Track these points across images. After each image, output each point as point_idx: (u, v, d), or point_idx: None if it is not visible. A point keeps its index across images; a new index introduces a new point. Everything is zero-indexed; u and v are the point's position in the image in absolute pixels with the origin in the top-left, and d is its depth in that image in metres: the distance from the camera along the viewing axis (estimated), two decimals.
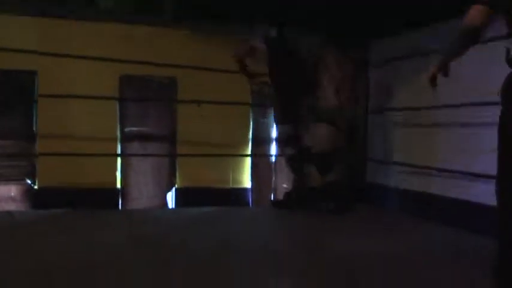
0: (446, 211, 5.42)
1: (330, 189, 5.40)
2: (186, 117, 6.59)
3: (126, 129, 6.63)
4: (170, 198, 6.77)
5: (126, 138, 6.61)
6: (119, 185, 6.52)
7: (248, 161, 6.97)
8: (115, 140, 6.53)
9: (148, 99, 6.62)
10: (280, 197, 6.36)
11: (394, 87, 6.50)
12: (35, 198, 6.18)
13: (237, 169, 6.89)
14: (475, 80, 4.99)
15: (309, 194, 5.67)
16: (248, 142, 7.03)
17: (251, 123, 7.07)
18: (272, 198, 6.94)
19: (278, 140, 5.62)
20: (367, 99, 6.96)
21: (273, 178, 6.98)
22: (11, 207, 6.06)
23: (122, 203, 6.55)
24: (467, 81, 4.99)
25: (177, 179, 6.73)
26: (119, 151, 6.56)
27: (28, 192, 6.24)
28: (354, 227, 5.08)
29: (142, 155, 6.55)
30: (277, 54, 5.47)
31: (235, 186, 6.83)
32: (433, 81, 3.05)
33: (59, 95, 5.95)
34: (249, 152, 7.01)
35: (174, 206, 6.66)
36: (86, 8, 6.21)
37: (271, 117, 6.50)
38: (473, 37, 2.70)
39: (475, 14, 2.63)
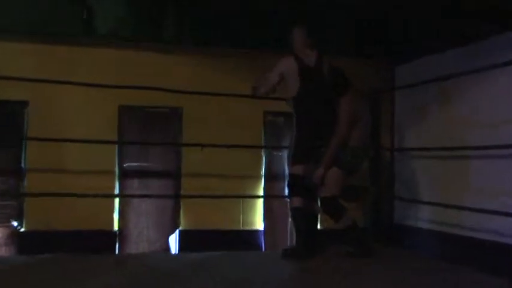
0: (481, 255, 5.29)
1: (347, 233, 5.01)
2: (191, 151, 6.31)
3: (125, 165, 6.51)
4: (173, 242, 6.62)
5: (125, 175, 6.47)
6: (116, 227, 6.36)
7: (261, 199, 6.78)
8: (112, 176, 6.38)
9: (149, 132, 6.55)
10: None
11: (422, 117, 6.39)
12: (21, 242, 5.95)
13: (248, 209, 6.72)
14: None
15: (322, 239, 5.34)
16: (261, 178, 6.85)
17: (263, 157, 6.91)
18: (289, 241, 6.72)
19: (288, 185, 5.14)
20: (392, 132, 6.76)
21: (290, 219, 6.53)
22: None
23: (119, 247, 6.37)
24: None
25: (181, 220, 6.60)
26: (116, 190, 6.39)
27: (14, 235, 6.01)
28: (378, 273, 4.73)
29: (143, 195, 6.35)
30: (317, 81, 5.01)
31: (246, 228, 6.69)
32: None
33: (49, 139, 5.73)
34: (261, 188, 6.83)
35: (177, 251, 6.50)
36: (82, 33, 6.14)
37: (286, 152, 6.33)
38: None
39: None
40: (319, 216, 5.12)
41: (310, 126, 4.78)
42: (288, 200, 5.06)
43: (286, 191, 5.06)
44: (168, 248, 6.55)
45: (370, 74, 6.64)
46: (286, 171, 6.60)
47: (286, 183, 5.14)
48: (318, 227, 5.27)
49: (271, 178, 6.89)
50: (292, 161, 4.99)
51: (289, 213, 5.27)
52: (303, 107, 4.80)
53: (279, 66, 4.88)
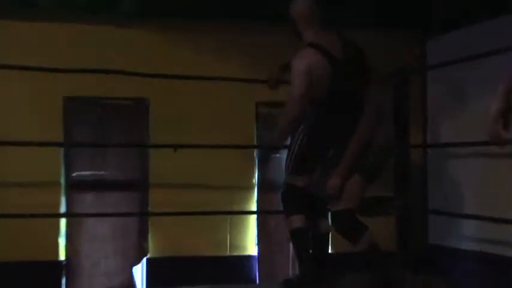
0: None
1: (367, 258, 4.46)
2: (161, 154, 5.70)
3: (74, 174, 6.00)
4: (139, 274, 6.18)
5: (74, 187, 5.99)
6: (62, 257, 5.88)
7: (253, 216, 6.35)
8: (57, 189, 5.86)
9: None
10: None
11: (464, 104, 6.05)
12: None
13: (238, 229, 6.27)
14: None
15: (333, 266, 4.80)
16: (253, 188, 6.33)
17: (256, 160, 6.36)
18: (290, 270, 6.35)
19: (284, 199, 4.59)
20: (424, 124, 6.36)
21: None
22: None
23: (67, 283, 5.90)
24: None
25: (150, 245, 6.14)
26: (63, 207, 5.91)
27: None
28: None
29: (98, 214, 5.86)
30: (345, 72, 4.31)
31: (235, 253, 6.27)
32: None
33: None
34: (254, 202, 6.35)
35: (144, 286, 6.09)
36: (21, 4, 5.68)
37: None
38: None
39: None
40: (330, 236, 4.67)
41: (329, 129, 4.30)
42: (286, 218, 4.59)
43: (282, 207, 4.58)
44: (132, 284, 6.12)
45: (394, 50, 6.23)
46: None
47: (280, 196, 4.59)
48: (329, 250, 4.85)
49: (267, 188, 6.35)
50: (294, 169, 4.44)
51: (289, 236, 4.76)
52: (329, 110, 4.25)
53: (301, 69, 4.15)
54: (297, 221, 4.38)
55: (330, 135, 4.31)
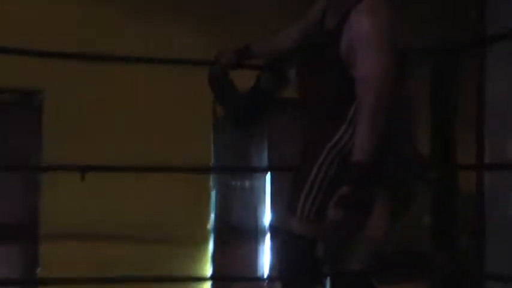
0: None
1: None
2: (61, 181, 4.29)
3: None
4: None
5: None
6: None
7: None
8: None
9: None
10: None
11: None
12: None
13: None
14: None
15: None
16: (207, 237, 5.03)
17: (213, 191, 5.07)
18: None
19: (290, 265, 3.07)
20: (479, 132, 4.95)
21: None
22: None
23: None
24: None
25: None
26: None
27: None
28: None
29: None
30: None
31: None
32: None
33: None
34: (208, 260, 5.03)
35: None
36: None
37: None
38: None
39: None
40: None
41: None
42: None
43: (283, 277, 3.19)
44: None
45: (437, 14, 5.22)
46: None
47: (282, 258, 3.28)
48: None
49: (228, 237, 5.09)
50: (311, 211, 3.05)
51: None
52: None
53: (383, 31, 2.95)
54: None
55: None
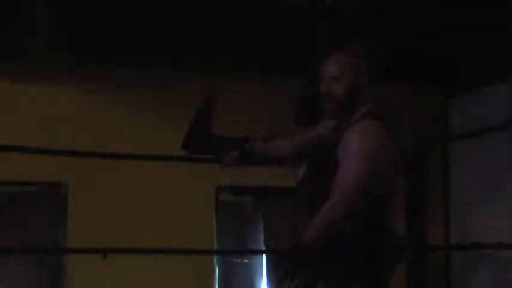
0: None
1: None
2: (84, 263, 4.54)
3: None
4: None
5: None
6: None
7: None
8: None
9: None
10: None
11: (504, 186, 5.28)
12: None
13: None
14: None
15: None
16: None
17: (216, 268, 5.46)
18: None
19: None
20: (446, 217, 5.45)
21: None
22: None
23: None
24: None
25: None
26: None
27: None
28: None
29: None
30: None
31: None
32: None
33: None
34: None
35: None
36: None
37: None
38: None
39: None
40: None
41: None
42: None
43: None
44: None
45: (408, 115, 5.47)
46: None
47: None
48: None
49: None
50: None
51: None
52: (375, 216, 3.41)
53: (367, 152, 3.45)
54: None
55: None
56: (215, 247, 5.54)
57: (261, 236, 5.69)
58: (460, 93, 5.95)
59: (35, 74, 5.31)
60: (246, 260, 5.59)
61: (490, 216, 5.35)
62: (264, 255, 5.68)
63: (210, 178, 5.00)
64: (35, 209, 5.22)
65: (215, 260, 5.48)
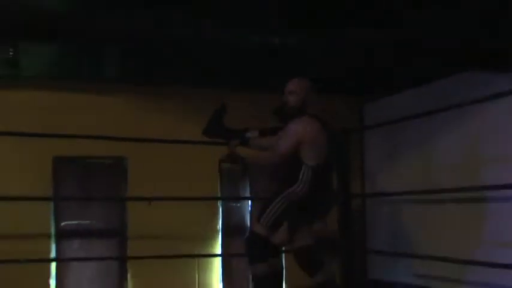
0: None
1: None
2: (138, 206, 5.90)
3: (63, 224, 6.24)
4: None
5: (62, 235, 6.21)
6: None
7: (218, 260, 6.58)
8: (48, 237, 6.09)
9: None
10: None
11: (397, 159, 6.31)
12: None
13: (204, 270, 6.51)
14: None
15: None
16: (217, 234, 6.65)
17: (220, 209, 6.72)
18: None
19: (251, 247, 4.58)
20: (362, 177, 6.63)
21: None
22: None
23: None
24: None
25: (129, 286, 6.31)
26: (53, 252, 6.13)
27: None
28: None
29: (82, 259, 6.14)
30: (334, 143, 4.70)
31: None
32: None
33: None
34: (218, 247, 6.61)
35: None
36: (6, 73, 5.79)
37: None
38: None
39: None
40: (284, 273, 4.72)
41: (315, 198, 4.43)
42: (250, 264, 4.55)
43: (247, 254, 4.54)
44: None
45: (336, 113, 6.33)
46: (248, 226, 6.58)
47: (246, 242, 4.60)
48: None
49: (230, 233, 6.72)
50: (268, 224, 4.46)
51: (251, 280, 4.76)
52: (318, 179, 4.39)
53: (298, 132, 4.36)
54: (262, 269, 4.44)
55: (313, 205, 4.45)
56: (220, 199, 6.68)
57: (248, 189, 6.84)
58: (371, 100, 6.89)
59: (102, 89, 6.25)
60: (238, 204, 6.79)
61: (390, 176, 6.43)
62: (250, 201, 6.77)
63: (216, 153, 5.39)
64: (109, 174, 6.41)
65: (219, 204, 6.71)
